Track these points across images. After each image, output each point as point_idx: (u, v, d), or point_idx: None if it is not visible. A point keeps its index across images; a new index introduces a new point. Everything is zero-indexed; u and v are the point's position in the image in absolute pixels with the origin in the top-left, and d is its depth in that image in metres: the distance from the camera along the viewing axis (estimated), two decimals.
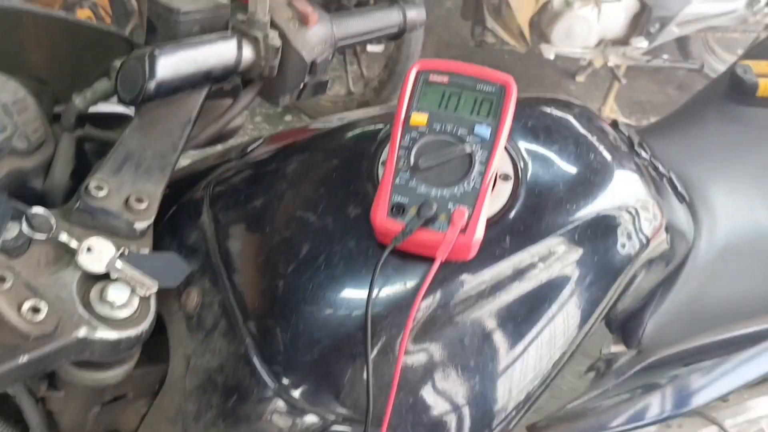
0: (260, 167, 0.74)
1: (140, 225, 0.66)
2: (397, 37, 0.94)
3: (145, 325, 0.63)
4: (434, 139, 0.64)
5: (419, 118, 0.65)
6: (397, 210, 0.62)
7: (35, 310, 0.55)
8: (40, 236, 0.61)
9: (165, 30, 0.70)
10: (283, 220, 0.67)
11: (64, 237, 0.62)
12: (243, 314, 0.64)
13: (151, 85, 0.61)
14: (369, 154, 0.70)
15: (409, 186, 0.63)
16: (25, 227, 0.60)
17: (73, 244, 0.62)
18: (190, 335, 0.67)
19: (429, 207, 0.60)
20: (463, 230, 0.60)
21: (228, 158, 0.81)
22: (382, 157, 0.70)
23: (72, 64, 0.75)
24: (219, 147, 0.85)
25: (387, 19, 0.89)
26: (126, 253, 0.64)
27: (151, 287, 0.64)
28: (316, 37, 0.76)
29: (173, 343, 0.68)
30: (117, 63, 0.68)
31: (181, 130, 0.69)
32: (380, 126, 0.74)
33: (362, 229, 0.65)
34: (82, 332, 0.58)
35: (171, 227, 0.73)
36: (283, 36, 0.73)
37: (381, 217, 0.61)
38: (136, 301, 0.63)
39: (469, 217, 0.60)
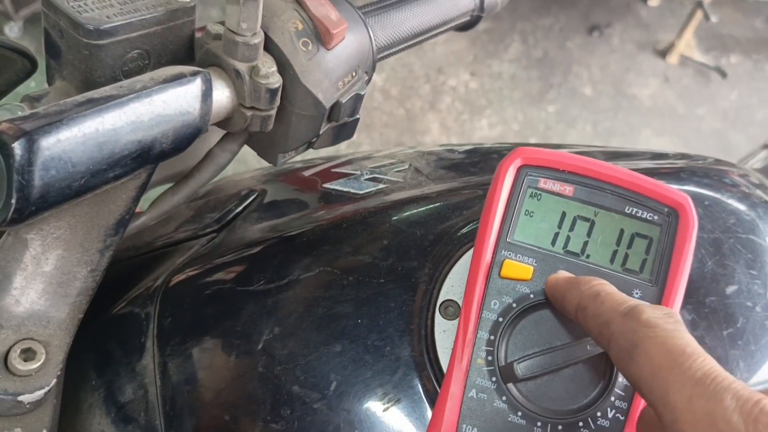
0: (242, 276, 0.46)
1: (31, 397, 0.40)
2: (468, 27, 0.62)
3: None
4: (544, 316, 0.35)
5: (518, 268, 0.36)
6: None
7: None
8: None
9: (74, 59, 0.39)
10: (270, 398, 0.40)
11: None
12: None
13: (27, 198, 0.33)
14: (420, 283, 0.42)
15: (493, 408, 0.34)
16: None
17: None
18: None
19: None
20: None
21: (197, 230, 0.53)
22: (443, 295, 0.41)
23: None
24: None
25: (455, 5, 0.58)
26: None
27: None
28: (341, 61, 0.45)
29: None
30: None
31: (101, 240, 0.40)
32: (447, 220, 0.45)
33: None
34: None
35: (100, 355, 0.47)
36: (286, 67, 0.42)
37: None
38: None
39: None
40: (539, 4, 2.77)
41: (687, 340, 0.27)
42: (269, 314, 0.43)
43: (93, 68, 0.39)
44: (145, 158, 0.37)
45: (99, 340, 0.47)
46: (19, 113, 0.39)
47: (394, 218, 0.46)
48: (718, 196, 0.48)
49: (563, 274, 0.35)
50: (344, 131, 0.50)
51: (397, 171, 0.53)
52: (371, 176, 0.53)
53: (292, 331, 0.42)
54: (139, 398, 0.43)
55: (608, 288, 0.32)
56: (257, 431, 0.40)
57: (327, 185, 0.53)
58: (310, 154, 0.60)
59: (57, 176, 0.33)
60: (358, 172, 0.54)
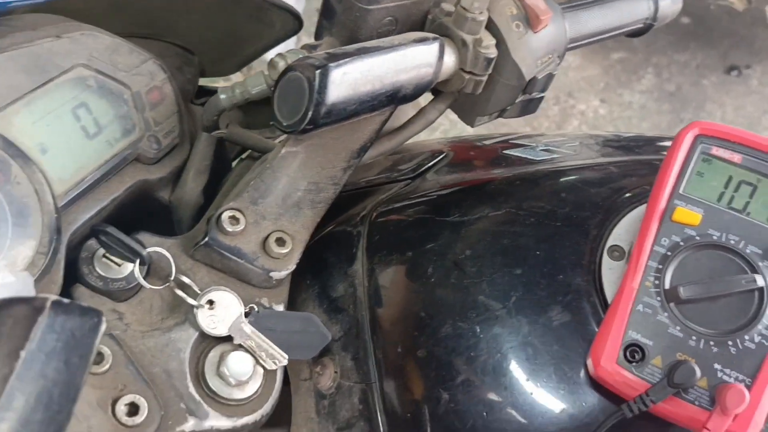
0: (439, 210, 0.56)
1: (278, 274, 0.51)
2: (640, 33, 0.70)
3: (266, 408, 0.50)
4: (707, 255, 0.43)
5: (688, 215, 0.44)
6: (633, 354, 0.42)
7: (133, 409, 0.43)
8: (154, 286, 0.47)
9: (346, 19, 0.51)
10: (459, 303, 0.50)
11: (185, 280, 0.49)
12: (390, 425, 0.49)
13: (319, 112, 0.44)
14: (591, 230, 0.50)
15: (656, 320, 0.43)
16: (136, 273, 0.47)
17: (195, 289, 0.49)
18: (318, 420, 0.52)
19: (687, 372, 0.40)
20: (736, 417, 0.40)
21: (396, 176, 0.64)
22: (611, 240, 0.50)
23: (227, 34, 0.59)
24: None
25: (633, 12, 0.66)
26: (256, 310, 0.50)
27: (280, 360, 0.50)
28: (543, 44, 0.54)
29: (296, 419, 0.54)
30: (278, 60, 0.51)
31: (346, 160, 0.52)
32: (616, 183, 0.53)
33: (568, 347, 0.46)
34: (189, 426, 0.45)
35: (315, 262, 0.58)
36: (501, 42, 0.52)
37: (608, 361, 0.42)
38: (259, 377, 0.49)
39: (748, 396, 0.40)
40: (677, 39, 2.76)
41: None
42: (462, 240, 0.53)
43: (358, 27, 0.51)
44: (393, 98, 0.48)
45: (313, 251, 0.58)
46: (300, 56, 0.51)
47: (570, 177, 0.55)
48: None
49: None
50: (531, 105, 0.59)
51: (569, 146, 0.62)
52: (545, 148, 0.62)
53: (482, 253, 0.51)
54: (349, 294, 0.54)
55: None
56: (447, 327, 0.50)
57: (506, 151, 0.63)
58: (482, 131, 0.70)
59: (339, 99, 0.45)
60: (534, 144, 0.63)
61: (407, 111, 0.62)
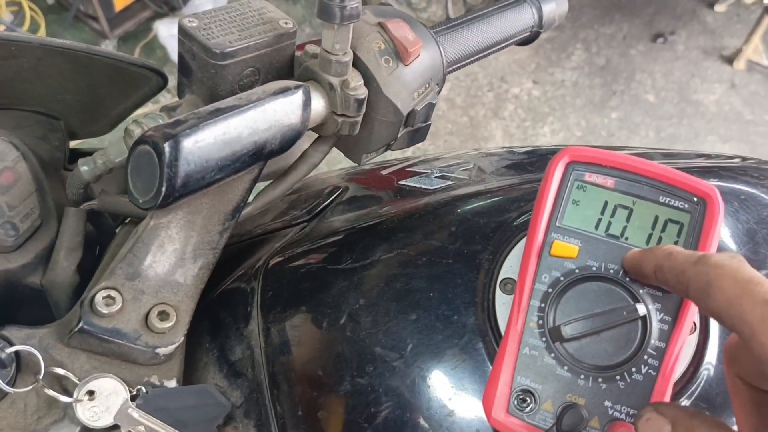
0: (332, 257, 0.54)
1: (165, 350, 0.49)
2: (528, 42, 0.69)
3: None
4: (588, 288, 0.42)
5: (565, 248, 0.43)
6: (523, 401, 0.41)
7: None
8: (20, 388, 0.44)
9: (203, 76, 0.49)
10: (356, 357, 0.48)
11: (60, 372, 0.46)
12: None
13: (173, 186, 0.41)
14: (483, 264, 0.49)
15: (543, 363, 0.41)
16: None
17: (74, 380, 0.46)
18: None
19: (575, 418, 0.39)
20: None
21: (291, 220, 0.61)
22: (502, 273, 0.48)
23: (89, 97, 0.56)
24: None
25: (516, 23, 0.65)
26: (144, 391, 0.48)
27: None
28: (417, 75, 0.53)
29: None
30: (134, 128, 0.48)
31: (221, 223, 0.49)
32: (506, 211, 0.52)
33: (469, 391, 0.45)
34: None
35: (213, 322, 0.56)
36: (371, 80, 0.50)
37: (499, 411, 0.41)
38: None
39: None
40: (602, 13, 2.79)
41: (751, 271, 0.32)
42: (355, 288, 0.51)
43: (217, 84, 0.48)
44: (258, 156, 0.46)
45: (211, 311, 0.56)
46: (160, 121, 0.48)
47: (460, 209, 0.54)
48: (754, 191, 0.53)
49: (636, 250, 0.41)
50: (418, 135, 0.57)
51: (463, 170, 0.61)
52: (440, 174, 0.60)
53: (375, 302, 0.50)
54: (246, 357, 0.52)
55: (677, 248, 0.37)
56: (345, 385, 0.48)
57: (402, 182, 0.61)
58: (386, 156, 0.68)
59: (195, 169, 0.42)
60: (429, 171, 0.61)
61: (302, 146, 0.59)
